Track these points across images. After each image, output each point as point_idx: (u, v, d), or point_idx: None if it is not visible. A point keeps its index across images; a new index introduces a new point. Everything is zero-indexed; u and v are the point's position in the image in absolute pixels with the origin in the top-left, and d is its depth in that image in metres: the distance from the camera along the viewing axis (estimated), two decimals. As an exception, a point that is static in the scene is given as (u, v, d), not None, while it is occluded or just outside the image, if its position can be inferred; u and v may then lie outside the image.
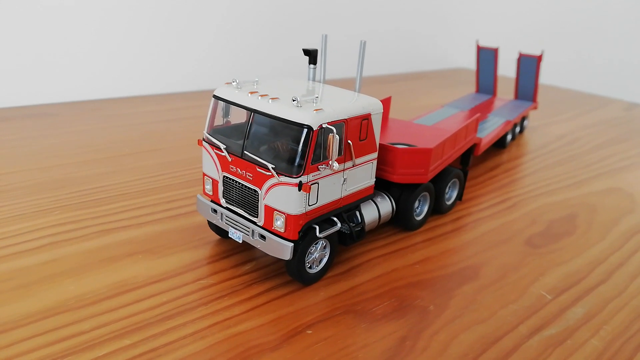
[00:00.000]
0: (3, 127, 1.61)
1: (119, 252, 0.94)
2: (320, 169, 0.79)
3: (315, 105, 0.78)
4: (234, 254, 0.95)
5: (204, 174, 0.92)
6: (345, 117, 0.81)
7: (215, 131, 0.89)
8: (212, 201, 0.93)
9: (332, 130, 0.76)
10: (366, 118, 0.85)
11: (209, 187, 0.92)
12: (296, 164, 0.77)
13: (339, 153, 0.82)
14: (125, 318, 0.76)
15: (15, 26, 1.81)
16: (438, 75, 3.10)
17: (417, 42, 3.19)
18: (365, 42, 0.92)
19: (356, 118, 0.83)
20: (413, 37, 3.15)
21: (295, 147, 0.77)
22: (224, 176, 0.87)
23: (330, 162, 0.77)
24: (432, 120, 1.52)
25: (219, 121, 0.90)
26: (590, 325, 0.83)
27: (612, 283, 0.95)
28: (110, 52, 2.04)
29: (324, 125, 0.76)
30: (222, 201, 0.89)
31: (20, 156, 1.37)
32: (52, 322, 0.75)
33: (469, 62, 2.86)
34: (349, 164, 0.85)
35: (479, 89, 2.04)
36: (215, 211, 0.91)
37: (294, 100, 0.78)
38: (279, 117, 0.78)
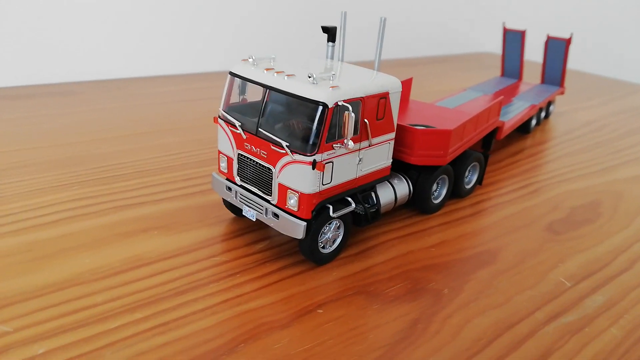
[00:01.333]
0: (28, 104, 1.63)
1: (134, 228, 0.95)
2: (335, 148, 0.78)
3: (331, 83, 0.77)
4: (248, 232, 0.95)
5: (219, 152, 0.91)
6: (362, 95, 0.79)
7: (230, 109, 0.88)
8: (227, 179, 0.92)
9: (348, 108, 0.74)
10: (384, 97, 0.83)
11: (224, 164, 0.91)
12: (310, 142, 0.76)
13: (355, 132, 0.80)
14: (138, 292, 0.77)
15: (41, 6, 1.82)
16: (463, 59, 3.03)
17: (442, 25, 3.12)
18: (385, 19, 0.89)
19: (374, 96, 0.81)
20: (439, 19, 3.08)
21: (310, 124, 0.76)
22: (239, 154, 0.87)
23: (345, 141, 0.76)
24: (454, 103, 1.49)
25: (235, 99, 0.89)
26: (609, 313, 0.81)
27: (634, 272, 0.92)
28: (133, 33, 2.05)
29: (339, 103, 0.75)
30: (237, 179, 0.89)
31: (42, 133, 1.39)
32: (66, 294, 0.75)
33: (496, 46, 2.79)
34: (365, 143, 0.83)
35: (505, 73, 1.99)
36: (229, 189, 0.91)
37: (309, 77, 0.76)
38: (294, 94, 0.77)
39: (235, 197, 0.90)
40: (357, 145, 0.82)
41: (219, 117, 0.89)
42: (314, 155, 0.75)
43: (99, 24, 1.97)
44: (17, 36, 1.82)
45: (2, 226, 0.92)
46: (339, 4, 2.49)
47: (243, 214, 0.90)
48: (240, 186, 0.89)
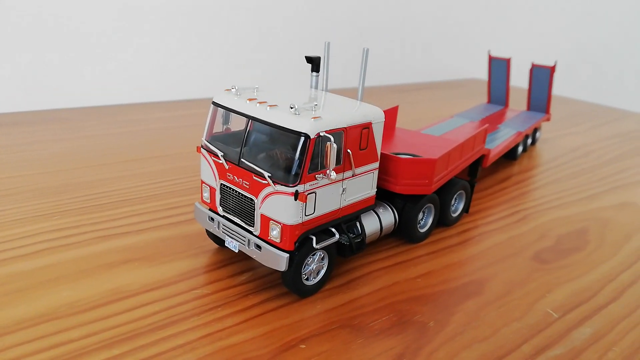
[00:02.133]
0: (15, 131, 1.62)
1: (115, 259, 0.93)
2: (318, 178, 0.77)
3: (313, 113, 0.77)
4: (231, 263, 0.94)
5: (202, 182, 0.91)
6: (345, 126, 0.79)
7: (213, 138, 0.87)
8: (209, 209, 0.91)
9: (330, 139, 0.74)
10: (367, 127, 0.83)
11: (206, 194, 0.90)
12: (292, 173, 0.75)
13: (337, 162, 0.80)
14: (116, 327, 0.75)
15: (32, 35, 1.83)
16: (451, 86, 3.07)
17: (430, 52, 3.16)
18: (368, 50, 0.90)
19: (356, 127, 0.81)
20: (426, 47, 3.13)
21: (292, 155, 0.75)
22: (221, 184, 0.86)
23: (327, 172, 0.75)
24: (440, 131, 1.49)
25: (218, 128, 0.89)
26: (598, 346, 0.80)
27: (622, 302, 0.91)
28: (123, 60, 2.05)
29: (321, 134, 0.75)
30: (219, 209, 0.88)
31: (29, 160, 1.38)
32: (42, 329, 0.73)
33: (484, 73, 2.82)
34: (348, 173, 0.83)
35: (491, 100, 2.01)
36: (212, 219, 0.90)
37: (292, 108, 0.76)
38: (276, 125, 0.76)
39: (218, 228, 0.89)
40: (340, 176, 0.81)
41: (202, 146, 0.88)
42: (296, 186, 0.75)
43: (88, 52, 1.97)
44: (8, 63, 1.81)
45: (-21, 258, 0.90)
46: (326, 33, 2.52)
47: (226, 244, 0.88)
48: (223, 217, 0.88)
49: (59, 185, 1.22)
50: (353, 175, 0.84)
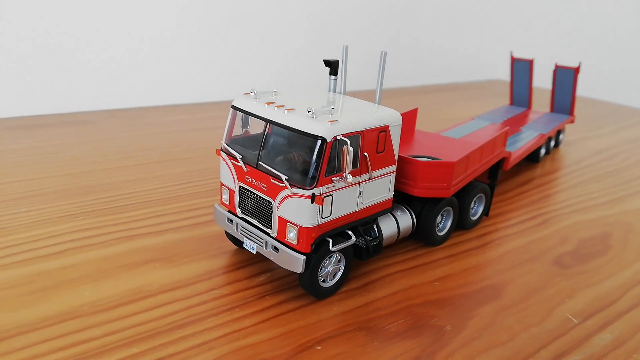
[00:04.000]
0: (42, 133, 1.67)
1: (136, 259, 0.95)
2: (334, 181, 0.78)
3: (330, 117, 0.77)
4: (249, 264, 0.95)
5: (221, 184, 0.92)
6: (361, 129, 0.79)
7: (233, 141, 0.89)
8: (228, 211, 0.92)
9: (346, 142, 0.74)
10: (384, 130, 0.83)
11: (225, 196, 0.92)
12: (309, 176, 0.76)
13: (354, 165, 0.80)
14: (136, 326, 0.77)
15: (54, 38, 1.88)
16: (473, 87, 3.04)
17: (452, 52, 3.14)
18: (385, 53, 0.90)
19: (373, 130, 0.81)
20: (448, 47, 3.10)
21: (309, 158, 0.76)
22: (240, 186, 0.87)
23: (344, 175, 0.76)
24: (461, 133, 1.48)
25: (238, 131, 0.90)
26: (618, 352, 0.78)
27: (645, 308, 0.90)
28: (145, 63, 2.09)
29: (338, 137, 0.75)
30: (238, 211, 0.89)
31: (55, 162, 1.41)
32: (64, 327, 0.75)
33: (506, 74, 2.79)
34: (365, 176, 0.83)
35: (513, 102, 1.99)
36: (231, 221, 0.91)
37: (309, 112, 0.77)
38: (294, 128, 0.77)
39: (237, 230, 0.90)
40: (357, 179, 0.82)
41: (221, 149, 0.89)
42: (313, 188, 0.75)
43: (112, 54, 2.02)
44: (31, 66, 1.87)
45: (5, 257, 0.93)
46: (345, 35, 2.52)
47: (244, 246, 0.89)
48: (242, 218, 0.89)
49: (83, 187, 1.25)
50: (370, 179, 0.84)
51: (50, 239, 1.01)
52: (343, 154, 0.75)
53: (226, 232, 0.99)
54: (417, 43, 2.94)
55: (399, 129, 0.87)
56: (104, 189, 1.25)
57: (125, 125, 1.82)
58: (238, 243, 0.98)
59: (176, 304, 0.82)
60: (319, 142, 0.75)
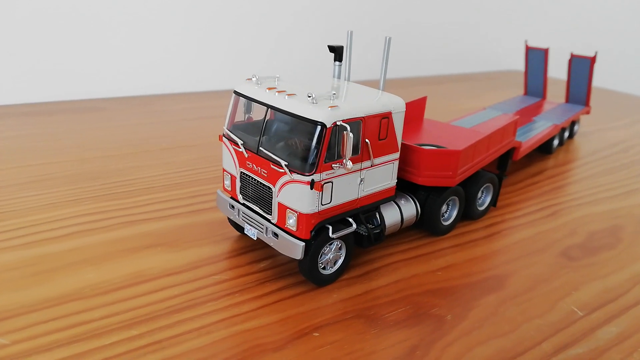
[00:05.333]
0: (53, 120, 1.69)
1: (139, 244, 0.95)
2: (335, 168, 0.77)
3: (331, 102, 0.76)
4: (251, 250, 0.95)
5: (224, 170, 0.92)
6: (363, 115, 0.78)
7: (235, 127, 0.88)
8: (231, 197, 0.92)
9: (346, 128, 0.73)
10: (386, 117, 0.82)
11: (227, 182, 0.91)
12: (309, 162, 0.75)
13: (355, 152, 0.79)
14: (136, 309, 0.77)
15: (66, 25, 1.89)
16: (488, 77, 2.99)
17: (467, 43, 3.09)
18: (390, 39, 0.89)
19: (375, 116, 0.80)
20: (462, 37, 3.06)
21: (308, 144, 0.75)
22: (241, 172, 0.87)
23: (344, 161, 0.75)
24: (471, 123, 1.46)
25: (240, 117, 0.89)
26: (623, 346, 0.77)
27: (653, 302, 0.88)
28: (157, 50, 2.10)
29: (338, 123, 0.74)
30: (239, 197, 0.89)
31: (66, 148, 1.43)
32: (65, 308, 0.76)
33: (522, 64, 2.74)
34: (366, 163, 0.82)
35: (528, 92, 1.95)
36: (232, 207, 0.91)
37: (309, 97, 0.76)
38: (293, 113, 0.76)
39: (238, 215, 0.90)
40: (359, 166, 0.81)
41: (223, 135, 0.89)
42: (312, 175, 0.75)
43: (124, 41, 2.02)
44: (43, 53, 1.88)
45: (11, 239, 0.94)
46: (361, 23, 2.50)
47: (245, 232, 0.89)
48: (243, 204, 0.89)
49: (91, 172, 1.26)
50: (372, 166, 0.83)
51: (56, 222, 1.02)
52: (343, 140, 0.74)
53: (229, 218, 0.99)
54: (432, 32, 2.90)
55: (402, 115, 0.85)
56: (111, 175, 1.25)
57: (135, 112, 1.83)
58: (240, 229, 0.98)
59: (176, 288, 0.83)
60: (319, 127, 0.74)
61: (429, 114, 1.32)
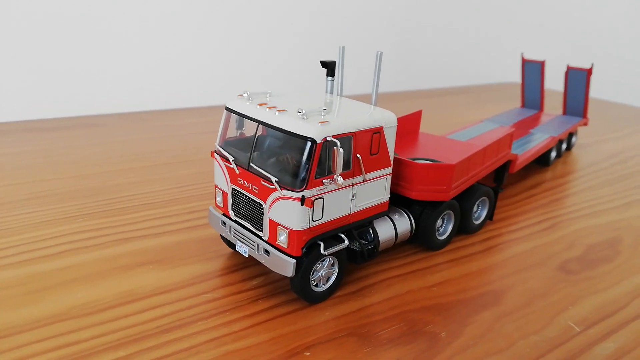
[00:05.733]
0: (54, 136, 1.69)
1: (132, 261, 0.95)
2: (325, 184, 0.76)
3: (321, 118, 0.76)
4: (244, 267, 0.94)
5: (216, 186, 0.91)
6: (353, 130, 0.78)
7: (226, 143, 0.88)
8: (223, 214, 0.92)
9: (336, 144, 0.73)
10: (378, 131, 0.82)
11: (219, 199, 0.91)
12: (299, 178, 0.74)
13: (346, 167, 0.79)
14: (125, 329, 0.76)
15: (66, 42, 1.90)
16: (486, 90, 3.00)
17: (465, 56, 3.10)
18: (381, 53, 0.88)
19: (366, 131, 0.80)
20: (460, 50, 3.07)
21: (299, 160, 0.75)
22: (233, 188, 0.86)
23: (335, 177, 0.74)
24: (468, 136, 1.46)
25: (232, 133, 0.89)
26: (621, 363, 0.75)
27: (652, 317, 0.86)
28: (157, 66, 2.11)
29: (328, 138, 0.74)
30: (231, 214, 0.88)
31: (64, 164, 1.43)
32: (54, 329, 0.75)
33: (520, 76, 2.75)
34: (358, 178, 0.82)
35: (525, 104, 1.95)
36: (224, 224, 0.90)
37: (299, 112, 0.76)
38: (284, 129, 0.76)
39: (230, 232, 0.89)
40: (350, 181, 0.80)
41: (215, 151, 0.89)
42: (303, 190, 0.74)
43: (124, 58, 2.04)
44: (42, 71, 1.89)
45: (4, 258, 0.94)
46: (360, 39, 2.51)
47: (237, 249, 0.89)
48: (235, 221, 0.88)
49: (88, 189, 1.26)
50: (364, 181, 0.83)
51: (49, 240, 1.01)
52: (334, 156, 0.73)
53: (221, 235, 0.98)
54: (429, 45, 2.92)
55: (394, 130, 0.85)
56: (108, 191, 1.25)
57: (135, 128, 1.83)
58: (233, 246, 0.97)
59: (167, 306, 0.82)
60: (309, 143, 0.73)
61: (427, 127, 1.32)
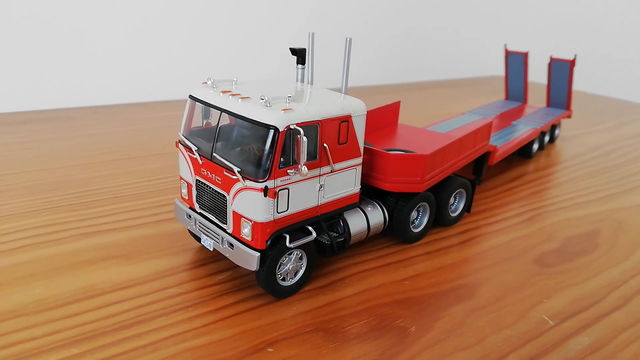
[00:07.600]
0: (23, 129, 1.64)
1: (95, 256, 0.91)
2: (290, 174, 0.73)
3: (285, 105, 0.73)
4: (212, 262, 0.91)
5: (181, 178, 0.88)
6: (319, 119, 0.75)
7: (190, 133, 0.85)
8: (189, 207, 0.88)
9: (300, 132, 0.70)
10: (345, 120, 0.79)
11: (184, 191, 0.88)
12: (262, 168, 0.71)
13: (312, 157, 0.76)
14: (81, 325, 0.73)
15: (37, 34, 1.85)
16: (472, 83, 2.98)
17: (452, 48, 3.08)
18: (350, 39, 0.85)
19: (333, 120, 0.77)
20: (445, 43, 3.04)
21: (261, 149, 0.72)
22: (197, 180, 0.83)
23: (299, 167, 0.71)
24: (448, 127, 1.43)
25: (197, 123, 0.86)
26: (595, 357, 0.73)
27: (627, 310, 0.84)
28: (130, 59, 2.06)
29: (291, 126, 0.71)
30: (196, 206, 0.85)
31: (29, 158, 1.38)
32: (6, 325, 0.72)
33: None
34: (326, 169, 0.79)
35: (509, 96, 1.93)
36: (189, 217, 0.87)
37: (262, 100, 0.73)
38: (246, 117, 0.73)
39: (195, 225, 0.86)
40: (317, 171, 0.77)
41: (179, 142, 0.85)
42: (266, 181, 0.71)
43: (96, 51, 1.99)
44: (14, 63, 1.84)
45: (-40, 253, 0.90)
46: (350, 31, 2.47)
47: (202, 242, 0.85)
48: (200, 214, 0.85)
49: (54, 182, 1.22)
50: (332, 171, 0.80)
51: (9, 234, 0.97)
52: (297, 145, 0.70)
53: (188, 229, 0.95)
54: (415, 39, 2.89)
55: (364, 119, 0.82)
56: (75, 185, 1.21)
57: (107, 121, 1.79)
58: (199, 239, 0.94)
59: (127, 302, 0.79)
60: (272, 131, 0.70)
61: (410, 119, 1.29)
